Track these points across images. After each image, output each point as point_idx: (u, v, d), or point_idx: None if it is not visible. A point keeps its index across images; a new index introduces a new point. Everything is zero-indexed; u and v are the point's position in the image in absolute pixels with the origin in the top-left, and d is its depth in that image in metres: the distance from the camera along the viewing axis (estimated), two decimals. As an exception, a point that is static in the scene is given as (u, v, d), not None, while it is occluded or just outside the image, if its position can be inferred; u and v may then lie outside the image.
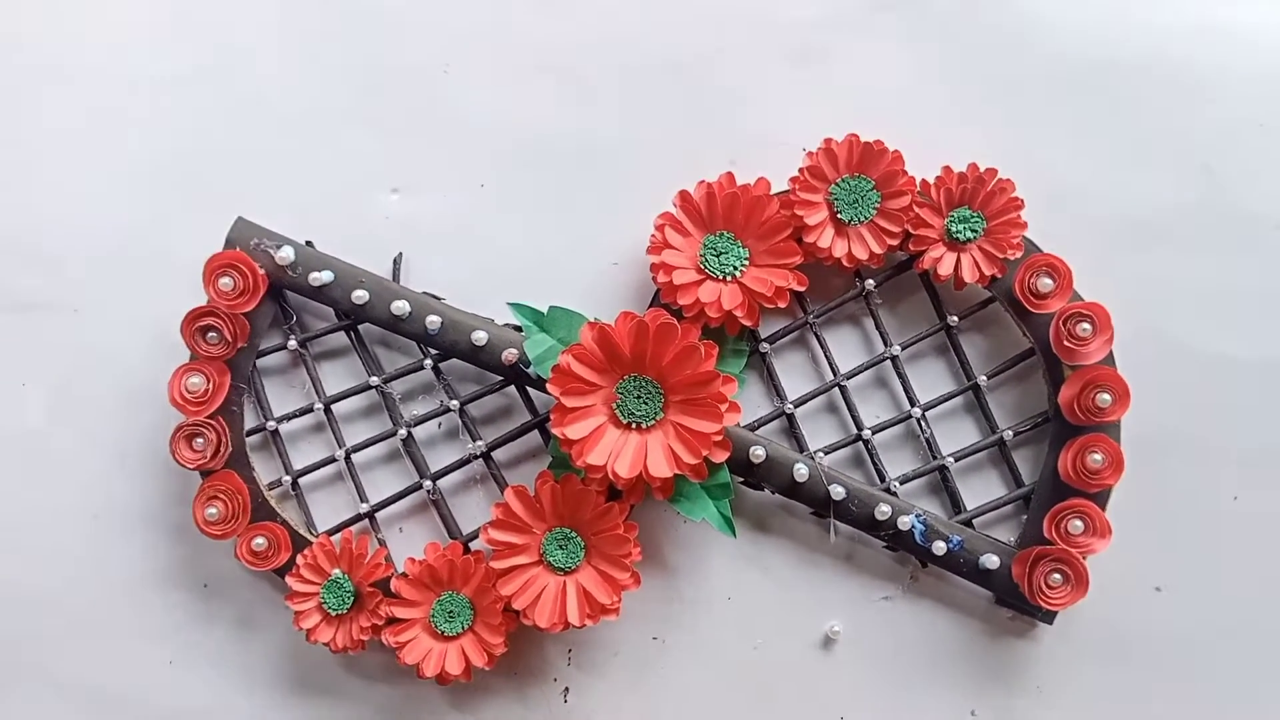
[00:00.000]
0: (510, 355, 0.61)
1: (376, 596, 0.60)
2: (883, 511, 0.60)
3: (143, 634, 0.64)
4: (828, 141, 0.59)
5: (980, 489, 0.62)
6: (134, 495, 0.64)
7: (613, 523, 0.59)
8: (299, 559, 0.61)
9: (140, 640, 0.64)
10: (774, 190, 0.60)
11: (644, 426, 0.58)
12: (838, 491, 0.60)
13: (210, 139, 0.64)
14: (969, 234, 0.59)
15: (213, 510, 0.61)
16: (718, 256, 0.60)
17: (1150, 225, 0.61)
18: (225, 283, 0.60)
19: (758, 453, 0.60)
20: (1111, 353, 0.59)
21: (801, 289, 0.59)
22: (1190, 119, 0.61)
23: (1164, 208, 0.61)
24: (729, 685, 0.63)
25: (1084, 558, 0.58)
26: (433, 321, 0.61)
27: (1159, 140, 0.61)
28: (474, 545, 0.62)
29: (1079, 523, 0.58)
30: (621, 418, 0.58)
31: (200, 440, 0.61)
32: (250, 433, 0.62)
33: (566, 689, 0.64)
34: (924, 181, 0.59)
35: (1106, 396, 0.58)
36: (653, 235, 0.60)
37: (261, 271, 0.61)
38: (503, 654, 0.60)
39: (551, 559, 0.59)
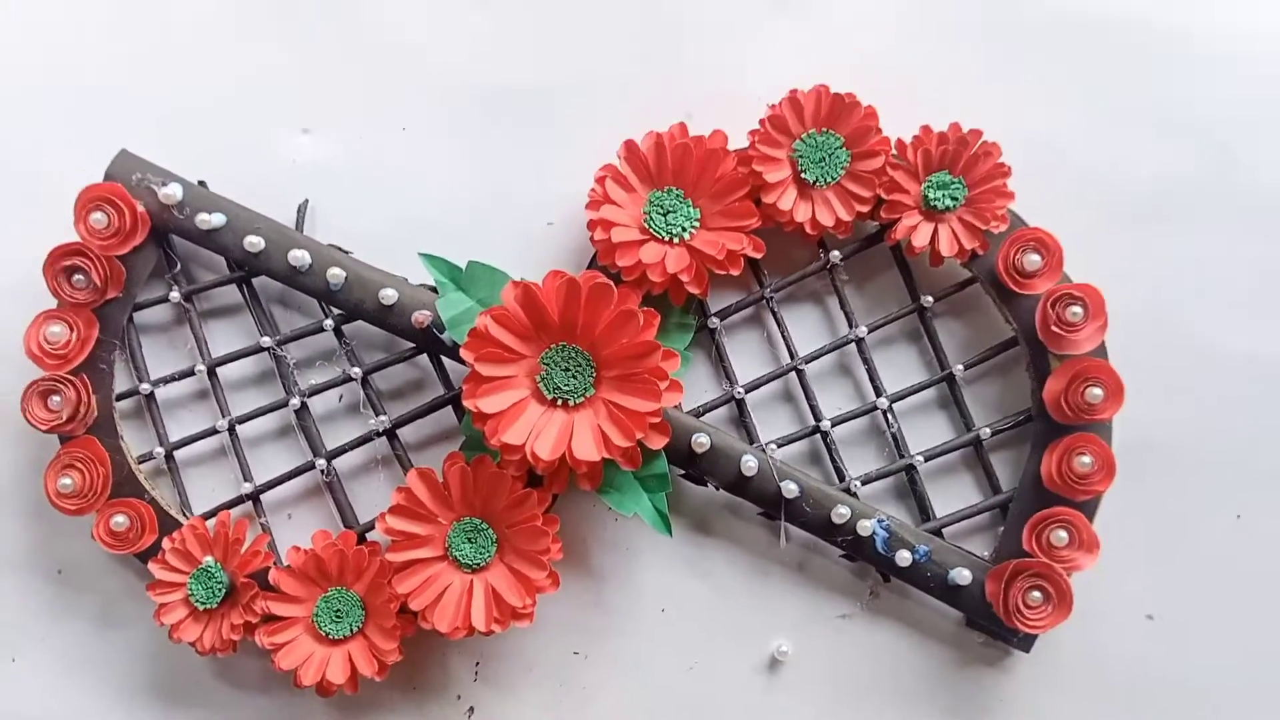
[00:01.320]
0: (422, 317, 0.53)
1: (252, 589, 0.52)
2: (841, 514, 0.52)
3: None
4: (793, 92, 0.52)
5: (952, 495, 0.54)
6: (-20, 463, 0.56)
7: (530, 513, 0.51)
8: (165, 543, 0.53)
9: None
10: (733, 146, 0.53)
11: (571, 404, 0.51)
12: (790, 489, 0.52)
13: (98, 60, 0.56)
14: (948, 202, 0.52)
15: (67, 480, 0.52)
16: (664, 215, 0.53)
17: (1150, 200, 0.55)
18: (98, 219, 0.52)
19: (701, 441, 0.52)
20: (1103, 344, 0.52)
21: (758, 256, 0.52)
22: (1200, 84, 0.55)
23: (1167, 181, 0.54)
24: (659, 709, 0.55)
25: (1068, 574, 0.51)
26: (335, 275, 0.53)
27: (1165, 106, 0.55)
28: (371, 536, 0.54)
29: (1063, 533, 0.51)
30: (546, 392, 0.51)
31: (57, 398, 0.52)
32: (121, 396, 0.54)
33: (471, 709, 0.55)
34: (899, 141, 0.53)
35: (1097, 391, 0.51)
36: (592, 189, 0.53)
37: (142, 210, 0.53)
38: (399, 664, 0.52)
39: (458, 554, 0.51)
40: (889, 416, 0.54)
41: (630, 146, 0.53)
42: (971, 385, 0.54)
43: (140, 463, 0.54)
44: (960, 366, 0.54)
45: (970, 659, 0.54)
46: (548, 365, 0.51)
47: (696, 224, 0.53)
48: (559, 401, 0.51)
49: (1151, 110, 0.55)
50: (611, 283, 0.50)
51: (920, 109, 0.52)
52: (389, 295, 0.53)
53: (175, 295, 0.54)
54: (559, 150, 0.56)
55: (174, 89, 0.56)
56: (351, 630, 0.52)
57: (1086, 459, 0.51)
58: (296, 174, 0.56)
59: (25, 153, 0.56)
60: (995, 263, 0.52)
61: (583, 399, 0.51)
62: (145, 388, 0.54)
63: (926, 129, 0.52)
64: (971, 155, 0.52)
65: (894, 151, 0.53)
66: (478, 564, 0.52)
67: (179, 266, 0.55)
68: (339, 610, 0.52)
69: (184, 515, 0.54)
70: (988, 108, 0.53)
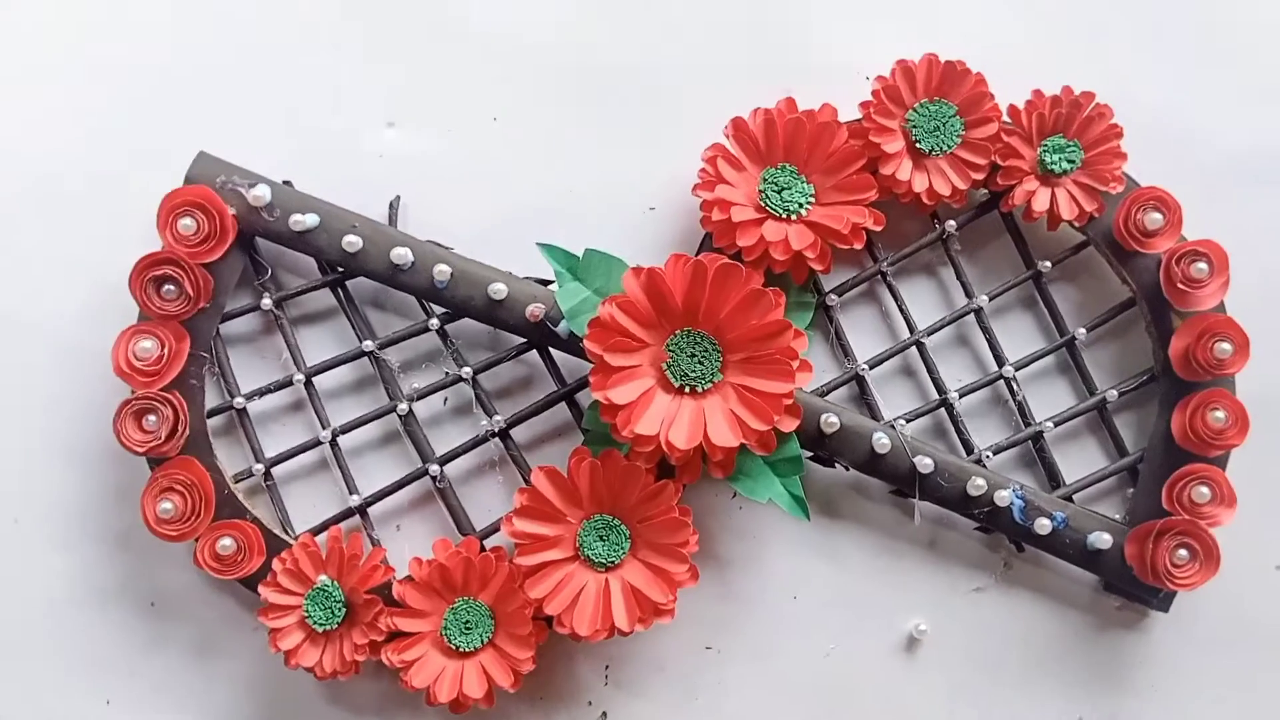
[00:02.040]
0: (536, 310, 0.51)
1: (375, 605, 0.49)
2: (977, 485, 0.51)
3: (73, 665, 0.53)
4: (903, 62, 0.52)
5: (1074, 460, 0.54)
6: (65, 493, 0.53)
7: (665, 506, 0.49)
8: (275, 564, 0.50)
9: (70, 673, 0.52)
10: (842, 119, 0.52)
11: (699, 390, 0.49)
12: (925, 464, 0.51)
13: (172, 60, 0.54)
14: (1065, 165, 0.52)
15: (167, 505, 0.49)
16: (779, 193, 0.51)
17: (1258, 163, 0.55)
18: (186, 224, 0.49)
19: (831, 421, 0.51)
20: (1222, 302, 0.52)
21: (879, 229, 0.51)
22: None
23: (1273, 144, 0.55)
24: (798, 699, 0.53)
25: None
26: (441, 272, 0.51)
27: (1267, 72, 0.55)
28: (491, 543, 0.52)
29: (1205, 490, 0.50)
30: (673, 380, 0.49)
31: (153, 418, 0.49)
32: (212, 413, 0.51)
33: (604, 714, 0.53)
34: (1012, 107, 0.52)
35: (1226, 345, 0.51)
36: (702, 170, 0.51)
37: (230, 213, 0.50)
38: (529, 675, 0.49)
39: (590, 553, 0.49)
40: (1013, 385, 0.53)
41: (739, 124, 0.51)
42: (1089, 349, 0.54)
43: (236, 481, 0.51)
44: (1083, 330, 0.53)
45: (1107, 623, 0.54)
46: (673, 352, 0.49)
47: (812, 199, 0.51)
48: (686, 389, 0.49)
49: (1258, 75, 0.55)
50: (739, 263, 0.48)
51: (1025, 79, 0.52)
52: (499, 290, 0.51)
53: (267, 302, 0.51)
54: (655, 133, 0.54)
55: (249, 87, 0.53)
56: (482, 641, 0.50)
57: (1220, 414, 0.51)
58: (383, 171, 0.53)
59: (96, 160, 0.53)
60: (1113, 223, 0.52)
61: (710, 385, 0.49)
62: (239, 402, 0.51)
63: (1039, 93, 0.52)
64: (1085, 118, 0.51)
65: (1006, 118, 0.52)
66: (611, 562, 0.50)
67: (269, 273, 0.52)
68: (468, 622, 0.50)
69: (288, 534, 0.51)
70: (1092, 76, 0.52)
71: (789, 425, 0.50)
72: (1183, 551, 0.50)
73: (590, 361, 0.48)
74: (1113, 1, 0.55)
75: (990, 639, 0.53)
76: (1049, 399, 0.54)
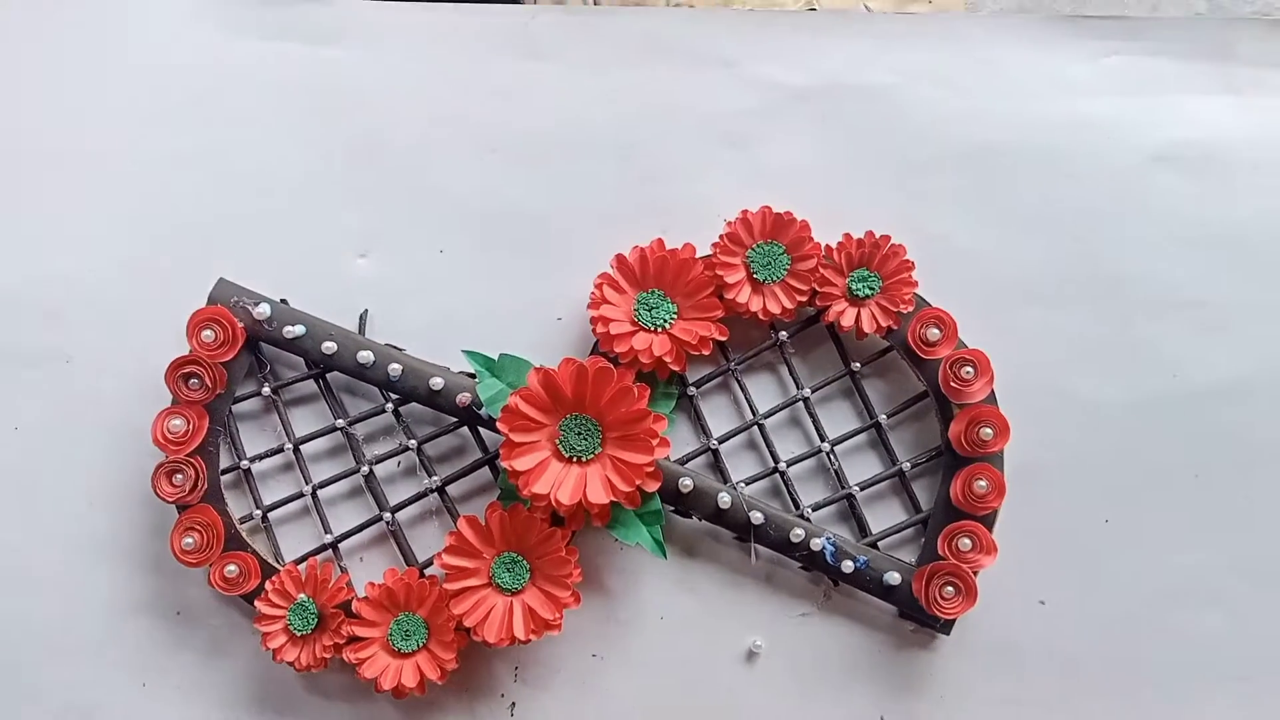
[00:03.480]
0: (464, 398, 0.68)
1: (339, 618, 0.66)
2: (797, 535, 0.67)
3: (118, 658, 0.68)
4: (744, 212, 0.68)
5: (884, 515, 0.69)
6: (115, 529, 0.69)
7: (555, 546, 0.65)
8: (268, 585, 0.66)
9: (115, 664, 0.68)
10: (699, 254, 0.68)
11: (584, 460, 0.65)
12: (757, 517, 0.67)
13: (199, 208, 0.70)
14: (867, 291, 0.67)
15: (189, 540, 0.66)
16: (649, 311, 0.68)
17: (1025, 284, 0.70)
18: (207, 335, 0.67)
19: (686, 483, 0.67)
20: (993, 393, 0.67)
21: (723, 339, 0.67)
22: (1058, 195, 0.70)
23: (1037, 270, 0.70)
24: (662, 698, 0.68)
25: (974, 572, 0.66)
26: (394, 369, 0.68)
27: (1031, 213, 0.70)
28: (429, 572, 0.68)
29: (968, 540, 0.66)
30: (564, 452, 0.65)
31: (179, 476, 0.66)
32: (225, 471, 0.68)
33: (513, 704, 0.69)
34: (828, 246, 0.68)
35: (989, 430, 0.66)
36: (593, 293, 0.67)
37: (240, 325, 0.67)
38: (454, 671, 0.65)
39: (499, 581, 0.66)
40: (831, 456, 0.69)
41: (620, 258, 0.68)
42: (894, 430, 0.69)
43: (241, 523, 0.68)
44: (885, 415, 0.69)
45: (904, 643, 0.69)
46: (564, 431, 0.65)
47: (675, 316, 0.68)
48: (574, 459, 0.65)
49: (1022, 217, 0.70)
50: (611, 365, 0.65)
51: (845, 221, 0.67)
52: (437, 382, 0.67)
53: (266, 390, 0.69)
54: (563, 262, 0.69)
55: (258, 229, 0.70)
56: (418, 646, 0.66)
57: (983, 483, 0.66)
58: (357, 290, 0.70)
59: (142, 284, 0.70)
60: (906, 335, 0.67)
61: (592, 456, 0.65)
62: (244, 464, 0.68)
63: (848, 236, 0.67)
64: (883, 254, 0.67)
65: (824, 254, 0.68)
66: (516, 588, 0.66)
67: (268, 368, 0.69)
68: (407, 630, 0.66)
69: (278, 563, 0.68)
70: (897, 218, 0.68)
71: (651, 486, 0.66)
72: (950, 588, 0.66)
73: (503, 437, 0.65)
74: (910, 163, 0.70)
75: (813, 653, 0.68)
76: (863, 467, 0.69)
